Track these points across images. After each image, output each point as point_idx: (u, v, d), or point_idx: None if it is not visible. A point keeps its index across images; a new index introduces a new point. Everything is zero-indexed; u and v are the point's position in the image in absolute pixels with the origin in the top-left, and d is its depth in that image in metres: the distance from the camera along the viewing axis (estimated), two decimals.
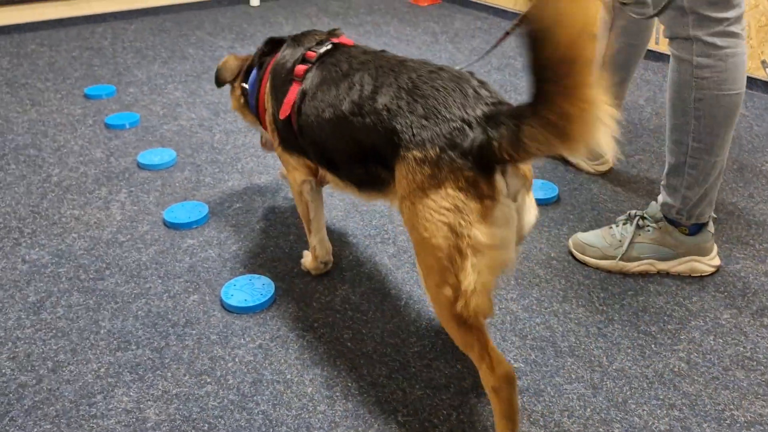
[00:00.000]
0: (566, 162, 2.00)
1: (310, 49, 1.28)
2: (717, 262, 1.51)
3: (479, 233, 0.95)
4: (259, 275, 1.48)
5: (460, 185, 0.96)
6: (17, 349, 1.29)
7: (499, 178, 0.97)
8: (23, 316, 1.38)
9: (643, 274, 1.51)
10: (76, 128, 2.24)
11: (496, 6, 3.63)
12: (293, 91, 1.26)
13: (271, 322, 1.37)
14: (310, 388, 1.21)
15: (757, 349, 1.30)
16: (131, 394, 1.19)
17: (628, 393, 1.20)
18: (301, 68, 1.26)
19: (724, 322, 1.37)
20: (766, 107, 2.40)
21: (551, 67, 0.80)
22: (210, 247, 1.61)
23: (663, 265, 1.50)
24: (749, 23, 2.48)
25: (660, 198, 1.50)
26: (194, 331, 1.34)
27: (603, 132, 0.82)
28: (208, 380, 1.22)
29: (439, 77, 1.05)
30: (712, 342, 1.32)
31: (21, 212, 1.75)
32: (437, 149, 0.98)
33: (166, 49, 3.05)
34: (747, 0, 2.47)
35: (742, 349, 1.30)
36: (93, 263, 1.55)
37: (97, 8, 3.47)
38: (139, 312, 1.39)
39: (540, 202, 1.79)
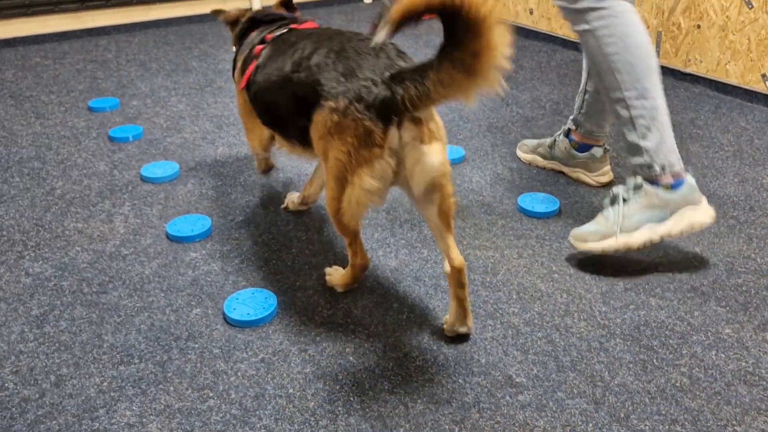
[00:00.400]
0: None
1: (269, 32, 1.52)
2: (712, 212, 1.54)
3: (357, 177, 1.22)
4: (261, 289, 1.48)
5: (357, 133, 1.19)
6: (20, 363, 1.30)
7: (393, 131, 1.19)
8: (26, 330, 1.38)
9: (648, 247, 1.56)
10: (80, 141, 2.26)
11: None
12: (251, 67, 1.48)
13: (273, 335, 1.37)
14: (312, 403, 1.21)
15: (760, 364, 1.30)
16: (134, 408, 1.20)
17: (630, 408, 1.20)
18: (258, 48, 1.49)
19: (726, 337, 1.37)
20: (767, 120, 2.41)
21: (466, 17, 1.05)
22: (213, 260, 1.61)
23: (663, 229, 1.53)
24: (749, 37, 2.50)
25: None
26: (197, 345, 1.34)
27: (499, 69, 1.08)
28: (211, 394, 1.23)
29: (364, 45, 1.26)
30: (714, 357, 1.32)
31: (25, 225, 1.76)
32: (346, 101, 1.20)
33: (170, 62, 3.07)
34: (746, 13, 2.48)
35: (744, 364, 1.30)
36: (96, 276, 1.55)
37: (101, 21, 3.50)
38: (142, 326, 1.40)
39: (541, 216, 1.80)
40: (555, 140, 2.02)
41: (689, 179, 1.54)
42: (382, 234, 1.72)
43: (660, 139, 1.51)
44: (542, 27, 3.39)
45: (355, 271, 1.45)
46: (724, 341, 1.36)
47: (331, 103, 1.22)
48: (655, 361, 1.31)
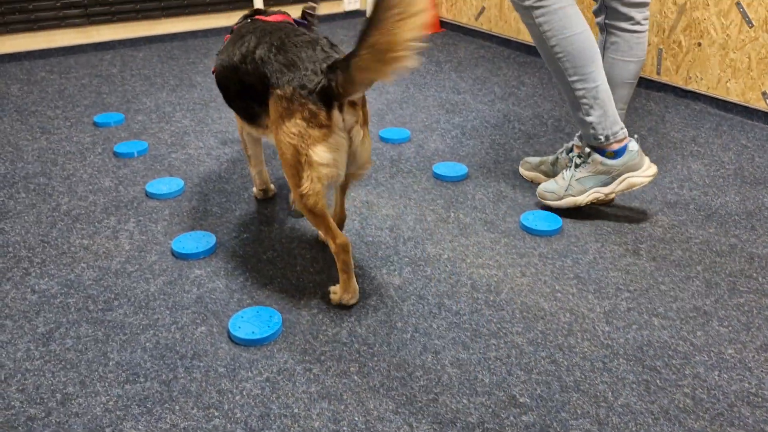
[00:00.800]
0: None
1: (237, 24, 1.70)
2: (652, 171, 1.80)
3: (313, 154, 1.36)
4: (266, 307, 1.49)
5: (304, 116, 1.35)
6: (26, 381, 1.30)
7: (336, 113, 1.36)
8: (32, 348, 1.39)
9: (596, 204, 1.92)
10: (86, 156, 2.27)
11: (500, 35, 3.67)
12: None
13: (278, 354, 1.38)
14: (317, 423, 1.21)
15: (762, 385, 1.30)
16: (140, 427, 1.20)
17: (633, 429, 1.20)
18: (226, 36, 1.69)
19: (728, 357, 1.37)
20: None
21: (390, 5, 1.17)
22: (218, 277, 1.62)
23: (607, 190, 1.83)
24: (750, 55, 2.52)
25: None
26: (202, 364, 1.35)
27: (413, 51, 1.21)
28: (216, 414, 1.23)
29: (300, 39, 1.43)
30: (716, 377, 1.32)
31: (31, 242, 1.77)
32: (292, 89, 1.36)
33: (174, 77, 3.10)
34: (747, 32, 2.50)
35: (747, 384, 1.30)
36: (102, 294, 1.56)
37: (106, 35, 3.53)
38: (147, 344, 1.40)
39: (544, 234, 1.81)
40: (557, 157, 2.04)
41: (631, 145, 1.80)
42: (386, 252, 1.73)
43: (602, 114, 1.77)
44: None
45: (344, 258, 1.47)
46: (726, 362, 1.36)
47: (278, 91, 1.39)
48: (658, 381, 1.31)
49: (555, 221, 1.85)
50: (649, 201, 1.99)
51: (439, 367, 1.34)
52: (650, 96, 2.87)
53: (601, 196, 1.84)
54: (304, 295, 1.56)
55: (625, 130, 1.80)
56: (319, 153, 1.36)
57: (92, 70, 3.20)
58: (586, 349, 1.39)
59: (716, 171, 2.18)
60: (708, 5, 2.62)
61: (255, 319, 1.45)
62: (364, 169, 1.51)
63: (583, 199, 1.85)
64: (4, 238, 1.78)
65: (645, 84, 2.96)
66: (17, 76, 3.09)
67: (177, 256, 1.70)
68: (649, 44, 2.89)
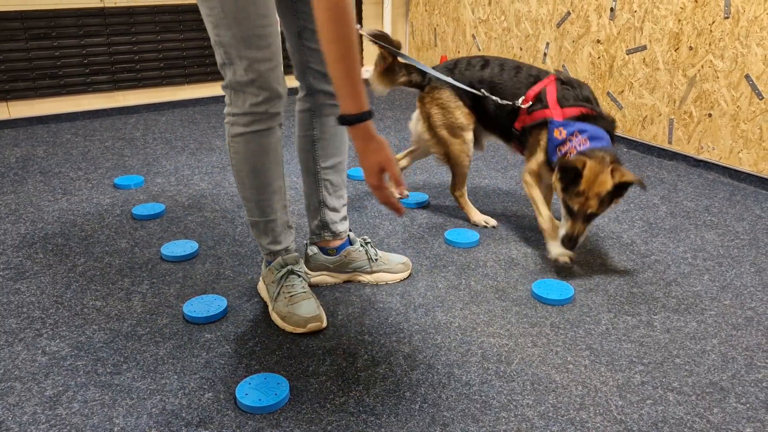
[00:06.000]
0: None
1: None
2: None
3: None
4: (273, 374, 1.48)
5: None
6: None
7: None
8: (39, 411, 1.39)
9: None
10: (104, 218, 2.32)
11: None
12: None
13: (284, 423, 1.36)
14: None
15: None
16: None
17: None
18: None
19: None
20: None
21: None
22: (227, 342, 1.62)
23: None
24: (761, 127, 2.54)
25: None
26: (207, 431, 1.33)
27: None
28: None
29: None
30: None
31: (45, 302, 1.79)
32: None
33: (195, 141, 3.18)
34: (757, 104, 2.53)
35: None
36: (111, 356, 1.56)
37: (131, 100, 3.66)
38: (154, 409, 1.39)
39: (556, 303, 1.79)
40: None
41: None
42: (396, 318, 1.73)
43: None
44: None
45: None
46: None
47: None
48: None
49: (567, 290, 1.83)
50: (663, 271, 1.98)
51: None
52: (662, 165, 2.89)
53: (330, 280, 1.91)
54: (312, 361, 1.55)
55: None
56: None
57: (116, 133, 3.30)
58: (598, 425, 1.36)
59: (730, 241, 2.17)
60: (718, 77, 2.66)
61: (262, 385, 1.44)
62: None
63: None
64: (19, 299, 1.81)
65: (657, 152, 2.98)
66: (44, 138, 3.20)
67: (188, 319, 1.71)
68: (659, 114, 2.93)
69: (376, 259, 1.88)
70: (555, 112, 1.89)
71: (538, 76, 2.04)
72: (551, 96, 1.94)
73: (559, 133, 1.82)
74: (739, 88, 2.59)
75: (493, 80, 2.08)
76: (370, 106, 1.33)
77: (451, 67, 2.18)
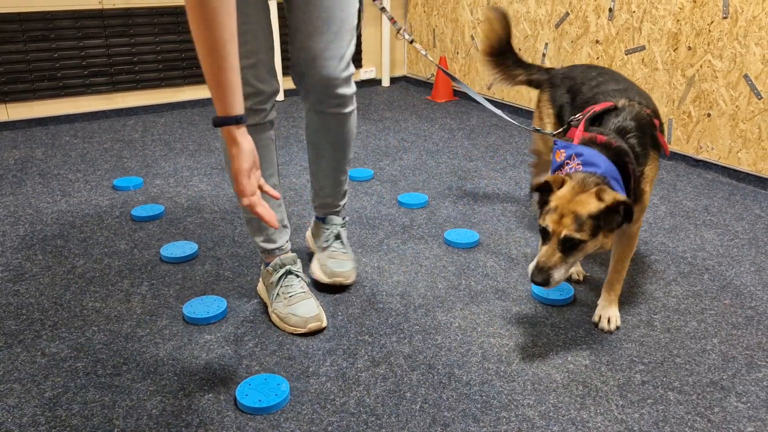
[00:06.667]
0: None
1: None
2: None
3: None
4: (274, 374, 1.48)
5: None
6: None
7: None
8: (38, 413, 1.38)
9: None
10: (103, 219, 2.31)
11: (512, 104, 3.75)
12: None
13: (284, 424, 1.36)
14: None
15: None
16: None
17: None
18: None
19: None
20: None
21: None
22: (227, 343, 1.62)
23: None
24: (760, 126, 2.54)
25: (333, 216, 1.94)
26: None
27: None
28: None
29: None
30: None
31: (44, 304, 1.79)
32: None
33: (194, 142, 3.18)
34: (756, 104, 2.54)
35: None
36: (111, 358, 1.56)
37: (130, 102, 3.66)
38: (154, 410, 1.39)
39: (555, 303, 1.79)
40: None
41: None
42: (396, 319, 1.73)
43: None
44: None
45: None
46: None
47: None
48: None
49: (567, 290, 1.83)
50: (663, 271, 1.98)
51: None
52: (661, 164, 2.89)
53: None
54: (312, 362, 1.55)
55: None
56: None
57: (115, 134, 3.30)
58: (599, 424, 1.36)
59: (730, 241, 2.17)
60: (716, 77, 2.67)
61: (262, 386, 1.44)
62: None
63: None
64: (18, 300, 1.80)
65: None
66: (42, 140, 3.19)
67: (188, 320, 1.70)
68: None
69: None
70: (577, 134, 1.78)
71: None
72: (587, 117, 1.78)
73: (559, 156, 1.73)
74: (738, 87, 2.59)
75: (580, 89, 1.95)
76: (240, 111, 1.28)
77: (561, 71, 2.11)
